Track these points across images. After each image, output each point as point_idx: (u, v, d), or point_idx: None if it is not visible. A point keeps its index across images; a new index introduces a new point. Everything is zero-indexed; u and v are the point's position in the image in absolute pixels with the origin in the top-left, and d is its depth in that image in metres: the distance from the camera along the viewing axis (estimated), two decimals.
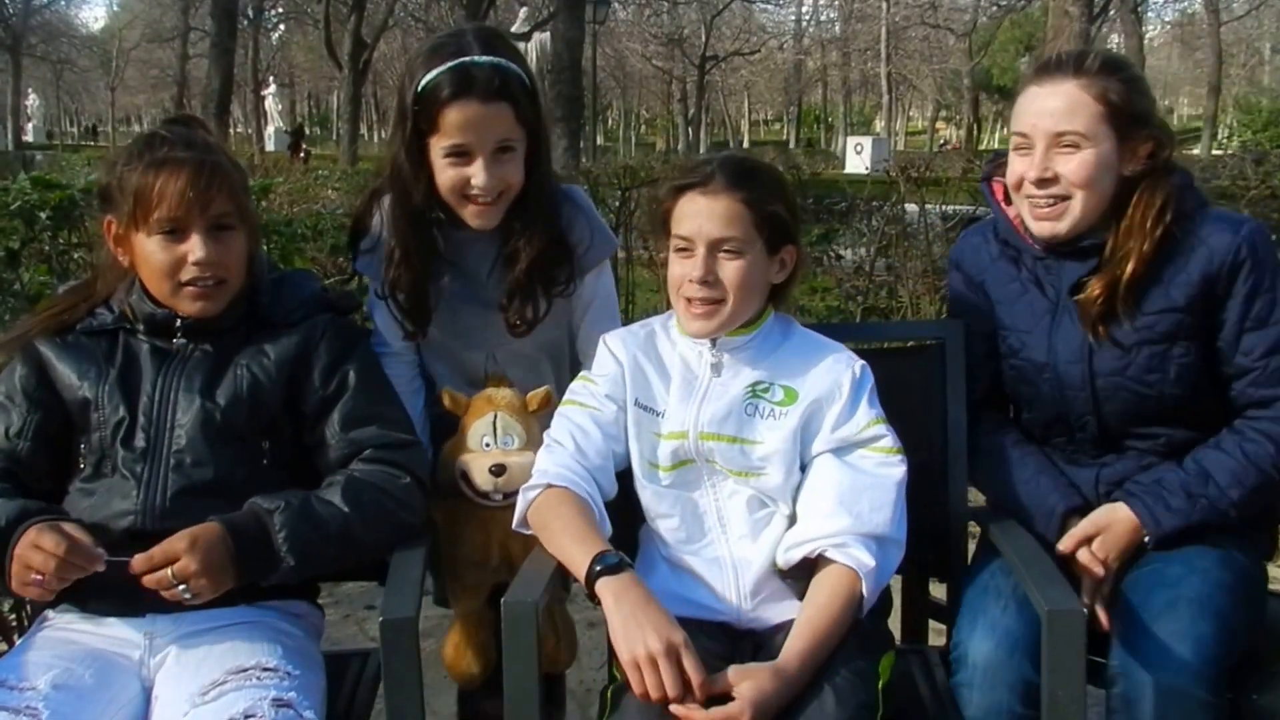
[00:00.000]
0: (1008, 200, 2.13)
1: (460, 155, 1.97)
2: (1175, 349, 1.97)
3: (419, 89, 1.95)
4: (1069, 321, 2.04)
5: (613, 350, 2.02)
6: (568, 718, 2.57)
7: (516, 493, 1.96)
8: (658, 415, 1.95)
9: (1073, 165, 1.95)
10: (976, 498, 2.19)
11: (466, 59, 1.93)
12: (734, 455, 1.90)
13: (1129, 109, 1.96)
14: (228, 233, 1.87)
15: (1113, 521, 1.97)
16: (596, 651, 2.98)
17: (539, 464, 1.94)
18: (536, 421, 2.09)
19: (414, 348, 2.20)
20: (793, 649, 1.73)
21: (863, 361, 1.96)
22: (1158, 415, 2.01)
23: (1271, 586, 2.10)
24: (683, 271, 1.89)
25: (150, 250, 1.85)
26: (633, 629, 1.67)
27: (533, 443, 2.05)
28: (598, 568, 1.73)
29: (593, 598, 1.74)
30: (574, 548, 1.79)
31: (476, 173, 1.97)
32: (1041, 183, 1.98)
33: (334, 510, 1.84)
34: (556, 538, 1.83)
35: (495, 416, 2.06)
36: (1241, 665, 1.84)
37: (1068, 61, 1.98)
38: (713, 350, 1.94)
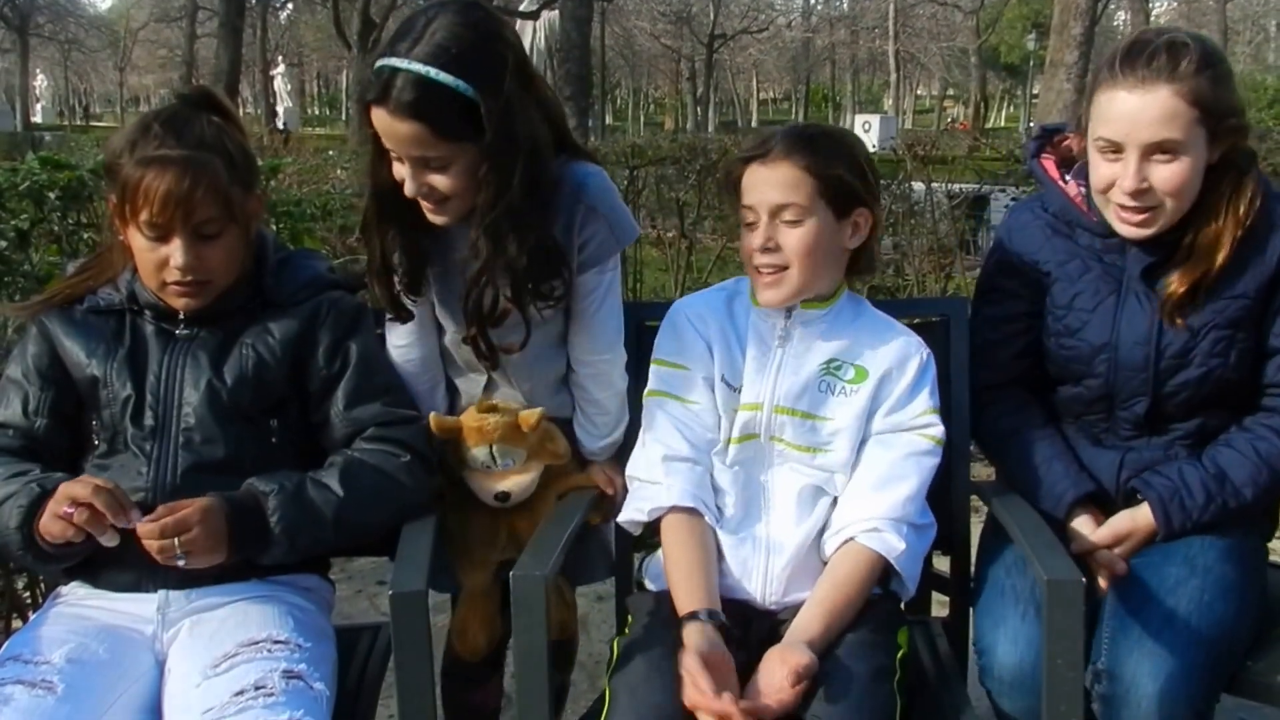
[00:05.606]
0: (1059, 175, 2.09)
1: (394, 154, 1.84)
2: (1239, 333, 1.94)
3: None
4: (1135, 303, 1.99)
5: (695, 324, 2.00)
6: (577, 687, 2.60)
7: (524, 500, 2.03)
8: (737, 391, 1.95)
9: (1167, 174, 1.86)
10: (979, 473, 2.20)
11: (388, 61, 1.76)
12: (804, 431, 1.91)
13: (1219, 107, 1.85)
14: (213, 236, 1.84)
15: (1134, 529, 1.96)
16: (606, 625, 3.01)
17: (651, 471, 1.93)
18: (534, 434, 2.04)
19: (428, 346, 2.11)
20: (810, 625, 1.75)
21: (929, 351, 1.97)
22: (1208, 399, 1.99)
23: (1271, 559, 2.12)
24: (748, 242, 1.90)
25: (138, 247, 1.84)
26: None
27: (533, 455, 2.05)
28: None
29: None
30: (678, 590, 1.82)
31: (405, 177, 1.84)
32: (1137, 194, 1.89)
33: (329, 495, 1.84)
34: (670, 568, 1.87)
35: (491, 447, 2.02)
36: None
37: (1162, 63, 1.83)
38: (786, 323, 1.94)
